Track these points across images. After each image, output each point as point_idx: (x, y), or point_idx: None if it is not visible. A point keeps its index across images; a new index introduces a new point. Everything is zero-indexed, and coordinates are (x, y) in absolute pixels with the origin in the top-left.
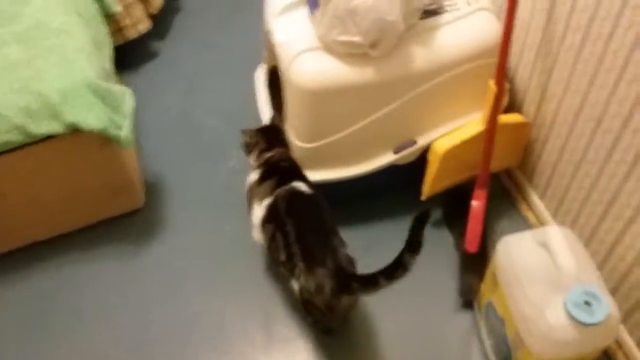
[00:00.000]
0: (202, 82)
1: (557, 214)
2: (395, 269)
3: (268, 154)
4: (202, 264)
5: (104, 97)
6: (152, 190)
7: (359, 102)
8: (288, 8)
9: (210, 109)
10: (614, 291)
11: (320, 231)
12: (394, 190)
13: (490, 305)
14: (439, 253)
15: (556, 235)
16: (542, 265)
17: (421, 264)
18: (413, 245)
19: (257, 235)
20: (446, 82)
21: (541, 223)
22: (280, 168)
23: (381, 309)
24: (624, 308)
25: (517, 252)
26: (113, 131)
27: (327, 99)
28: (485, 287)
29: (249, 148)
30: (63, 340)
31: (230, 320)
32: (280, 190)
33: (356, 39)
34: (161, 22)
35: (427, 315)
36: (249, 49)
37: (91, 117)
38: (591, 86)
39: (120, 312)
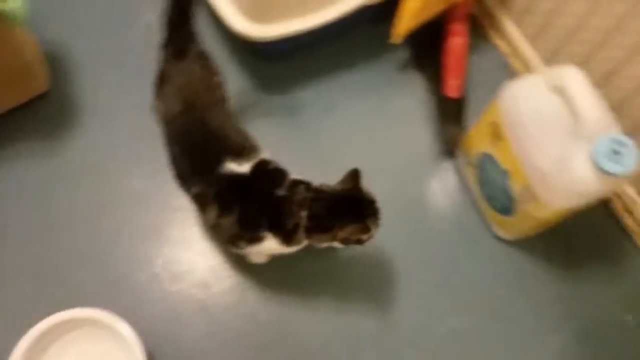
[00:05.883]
0: None
1: (537, 41)
2: None
3: None
4: (127, 143)
5: None
6: (58, 66)
7: None
8: None
9: None
10: None
11: None
12: (349, 34)
13: (487, 157)
14: (406, 97)
15: (573, 77)
16: (556, 112)
17: (388, 107)
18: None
19: None
20: None
21: (516, 53)
22: None
23: None
24: None
25: (526, 100)
26: None
27: None
28: (477, 137)
29: None
30: None
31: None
32: None
33: None
34: None
35: (404, 164)
36: None
37: None
38: None
39: (44, 219)
